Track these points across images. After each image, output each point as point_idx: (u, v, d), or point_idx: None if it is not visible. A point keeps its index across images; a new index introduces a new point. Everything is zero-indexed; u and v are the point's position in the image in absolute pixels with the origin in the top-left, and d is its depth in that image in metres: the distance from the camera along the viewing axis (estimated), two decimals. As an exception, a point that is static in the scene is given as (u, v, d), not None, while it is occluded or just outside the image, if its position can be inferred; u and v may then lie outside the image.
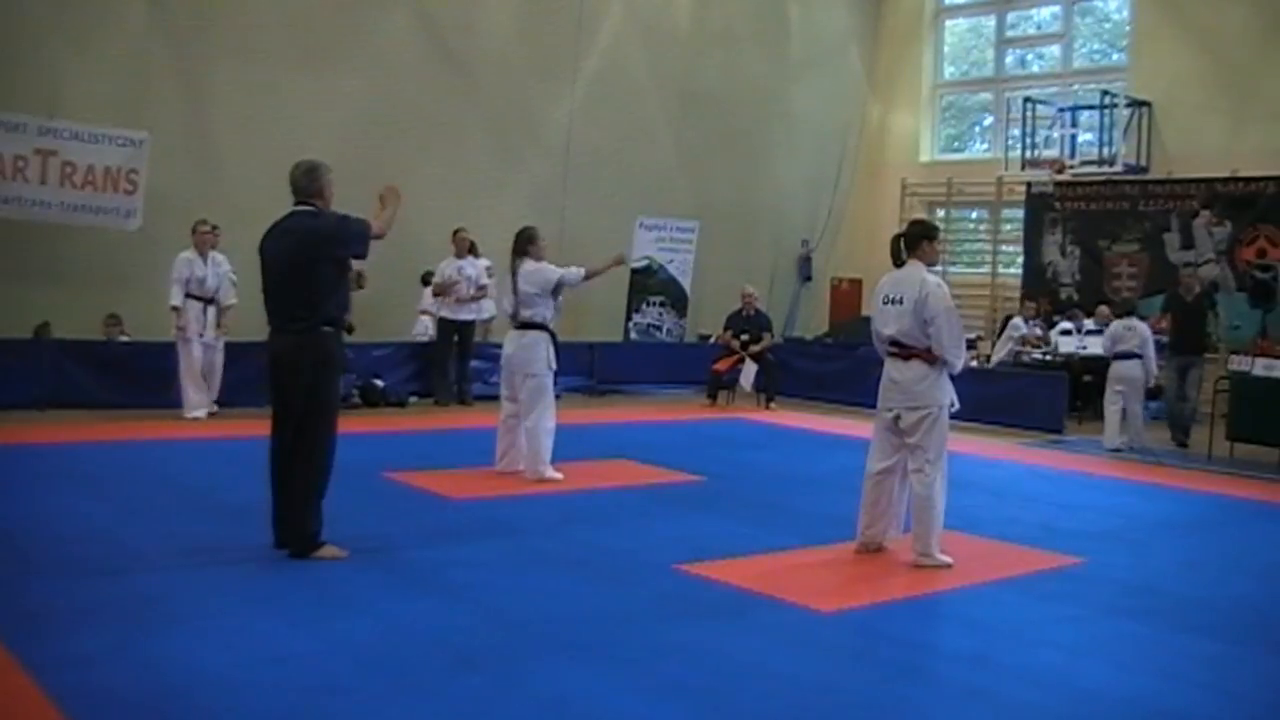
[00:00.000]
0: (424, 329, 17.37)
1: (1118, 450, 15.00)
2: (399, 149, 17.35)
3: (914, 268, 8.39)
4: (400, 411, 15.57)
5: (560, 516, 9.38)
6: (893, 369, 8.38)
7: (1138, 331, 15.40)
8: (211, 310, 14.17)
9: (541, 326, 10.96)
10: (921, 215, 22.71)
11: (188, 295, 13.96)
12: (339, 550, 7.65)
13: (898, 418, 8.30)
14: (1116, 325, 15.70)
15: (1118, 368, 15.46)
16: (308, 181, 7.74)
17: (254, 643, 5.96)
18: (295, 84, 16.97)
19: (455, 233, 16.65)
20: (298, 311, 7.58)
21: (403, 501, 9.63)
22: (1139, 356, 15.34)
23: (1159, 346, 15.89)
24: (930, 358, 8.24)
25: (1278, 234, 18.81)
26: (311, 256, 7.56)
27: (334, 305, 7.68)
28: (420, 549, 8.06)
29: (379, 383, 15.97)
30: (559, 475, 10.82)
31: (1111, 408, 15.39)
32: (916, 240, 8.49)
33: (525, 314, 10.93)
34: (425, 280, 16.92)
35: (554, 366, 11.01)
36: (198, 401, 14.05)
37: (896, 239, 8.59)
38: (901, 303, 8.28)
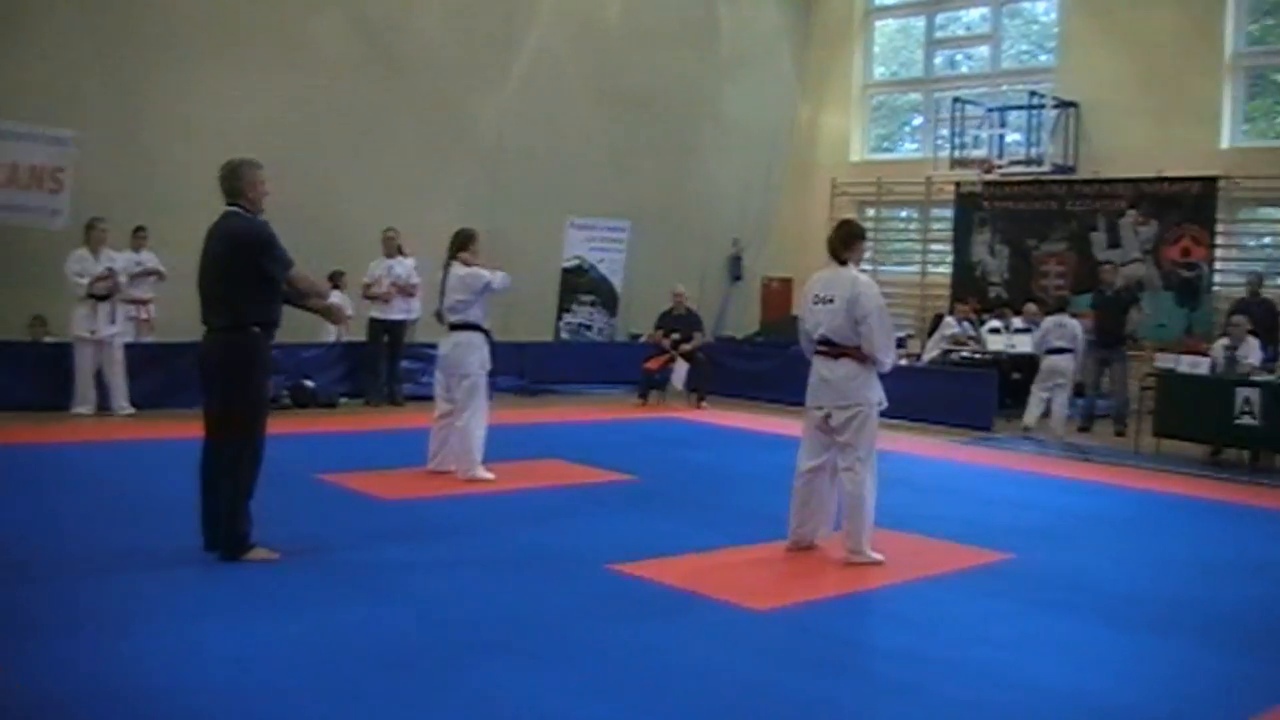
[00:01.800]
0: (333, 332, 17.02)
1: (1028, 429, 15.79)
2: (329, 148, 17.24)
3: (846, 267, 8.46)
4: (331, 412, 15.48)
5: (493, 516, 9.37)
6: (822, 368, 8.42)
7: (1069, 328, 16.00)
8: (104, 308, 14.18)
9: (476, 327, 10.95)
10: (851, 215, 22.84)
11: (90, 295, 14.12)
12: (270, 552, 7.62)
13: (828, 416, 8.35)
14: (1048, 322, 16.31)
15: (1049, 361, 16.04)
16: (231, 182, 7.75)
17: (184, 648, 5.92)
18: (224, 82, 16.80)
19: (384, 232, 16.58)
20: (223, 312, 7.59)
21: (335, 503, 9.59)
22: (1070, 351, 15.91)
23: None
24: (861, 357, 8.30)
25: (1202, 234, 19.06)
26: (233, 259, 7.56)
27: (259, 308, 7.64)
28: (353, 550, 8.03)
29: (309, 383, 15.86)
30: (490, 475, 10.81)
31: (1039, 395, 16.04)
32: (854, 240, 8.57)
33: (456, 316, 10.91)
34: (334, 281, 16.56)
35: (489, 367, 11.01)
36: (84, 398, 14.18)
37: (839, 238, 8.63)
38: (833, 302, 8.32)
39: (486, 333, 11.03)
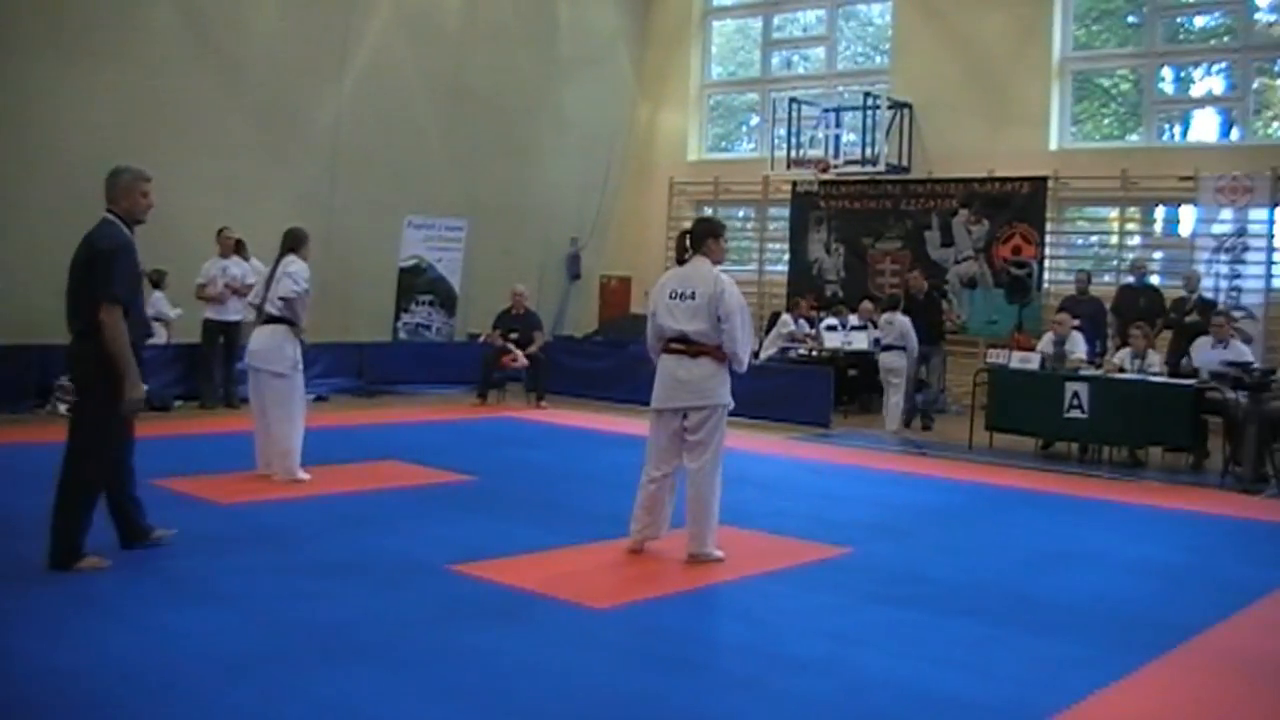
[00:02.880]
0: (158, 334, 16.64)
1: (896, 433, 16.24)
2: (162, 146, 16.79)
3: (701, 263, 8.40)
4: (165, 416, 15.15)
5: (331, 520, 9.27)
6: (678, 367, 8.31)
7: (897, 325, 16.32)
8: None
9: (288, 322, 10.78)
10: (689, 214, 23.00)
11: None
12: (100, 560, 7.45)
13: (684, 415, 8.35)
14: (881, 320, 16.55)
15: (882, 359, 16.65)
16: (108, 187, 7.73)
17: (12, 662, 5.77)
18: (52, 78, 16.36)
19: (219, 232, 16.31)
20: (74, 317, 7.55)
21: (169, 508, 9.36)
22: (901, 349, 16.20)
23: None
24: (720, 355, 8.28)
25: (1032, 232, 19.53)
26: (85, 266, 7.49)
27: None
28: (189, 557, 7.87)
29: (143, 386, 15.50)
30: (307, 476, 10.69)
31: (892, 398, 16.59)
32: (703, 237, 8.51)
33: (271, 309, 10.77)
34: (155, 280, 16.21)
35: (301, 365, 10.85)
36: None
37: (683, 235, 8.60)
38: (693, 298, 8.26)
39: (297, 328, 10.85)
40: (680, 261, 8.50)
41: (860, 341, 18.46)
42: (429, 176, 20.66)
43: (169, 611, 6.63)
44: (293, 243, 10.90)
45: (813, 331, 19.34)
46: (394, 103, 20.34)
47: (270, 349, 10.73)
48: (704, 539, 8.33)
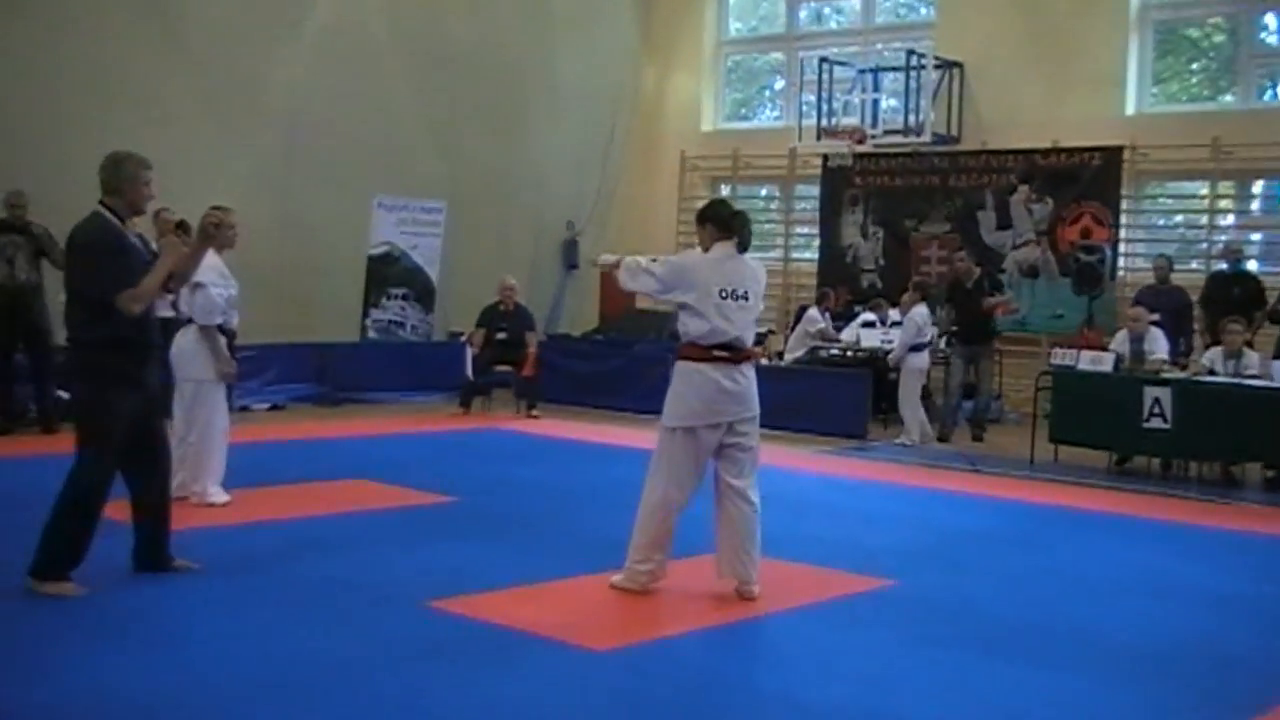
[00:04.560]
0: None
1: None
2: (89, 114, 16.77)
3: (730, 250, 8.36)
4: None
5: (288, 547, 9.22)
6: (722, 376, 8.20)
7: (913, 320, 16.45)
8: None
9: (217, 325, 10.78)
10: (704, 193, 22.97)
11: None
12: (77, 587, 7.68)
13: (728, 430, 8.28)
14: (909, 314, 16.82)
15: (911, 361, 16.74)
16: (107, 176, 7.96)
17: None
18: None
19: (157, 214, 16.23)
20: (68, 321, 7.93)
21: (98, 534, 9.34)
22: (923, 348, 16.66)
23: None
24: (755, 357, 8.53)
25: (1104, 212, 19.43)
26: (68, 265, 7.97)
27: (87, 325, 7.79)
28: (115, 590, 7.81)
29: (63, 395, 15.49)
30: (226, 498, 10.69)
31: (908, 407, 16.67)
32: (702, 220, 8.55)
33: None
34: None
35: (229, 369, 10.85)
36: None
37: (735, 213, 8.53)
38: (746, 299, 8.27)
39: (227, 331, 10.82)
40: (742, 248, 8.40)
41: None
42: (402, 151, 20.62)
43: (93, 655, 6.57)
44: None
45: (825, 326, 19.15)
46: (360, 67, 20.28)
47: (186, 353, 10.83)
48: (757, 567, 8.31)
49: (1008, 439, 16.81)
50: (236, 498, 10.70)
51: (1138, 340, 15.06)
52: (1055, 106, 19.98)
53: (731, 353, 8.22)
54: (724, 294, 8.18)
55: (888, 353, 17.45)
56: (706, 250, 8.39)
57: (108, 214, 7.84)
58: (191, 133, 18.17)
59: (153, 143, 17.26)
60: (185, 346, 10.79)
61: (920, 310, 16.58)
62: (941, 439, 16.77)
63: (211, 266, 10.46)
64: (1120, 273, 19.41)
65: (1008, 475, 14.25)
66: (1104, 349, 15.40)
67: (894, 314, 18.98)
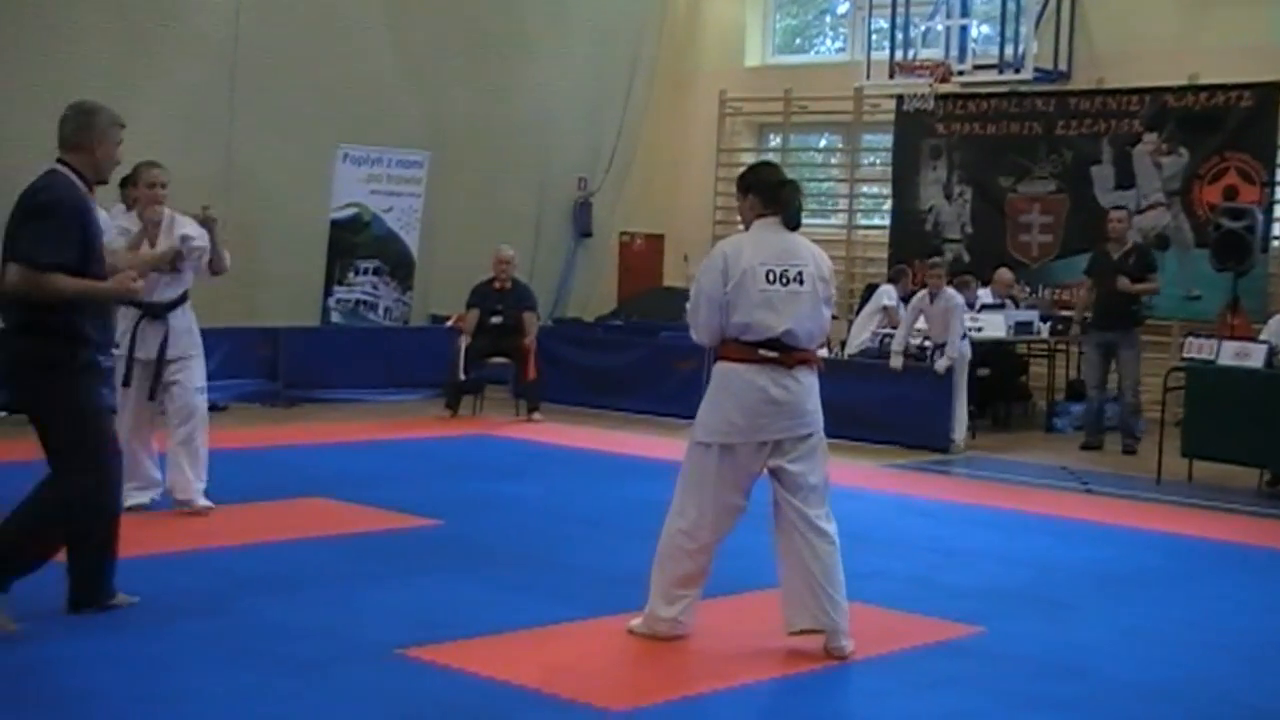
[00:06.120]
0: None
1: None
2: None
3: (777, 227, 8.30)
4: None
5: (231, 583, 9.26)
6: (768, 381, 8.12)
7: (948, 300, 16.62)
8: None
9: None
10: (749, 143, 22.98)
11: None
12: (8, 622, 7.77)
13: (773, 448, 8.26)
14: (938, 300, 16.88)
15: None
16: (71, 128, 8.17)
17: None
18: None
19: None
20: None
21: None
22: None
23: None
24: (815, 361, 8.32)
25: (1255, 166, 19.29)
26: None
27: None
28: (26, 642, 7.81)
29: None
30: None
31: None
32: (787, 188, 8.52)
33: None
34: None
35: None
36: None
37: (785, 182, 8.52)
38: (800, 281, 8.16)
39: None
40: (792, 225, 8.38)
41: (995, 328, 18.27)
42: (371, 89, 20.64)
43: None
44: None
45: (895, 308, 18.97)
46: (319, -15, 20.36)
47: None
48: (845, 617, 8.25)
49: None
50: (168, 521, 10.76)
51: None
52: (1193, 32, 19.86)
53: (781, 352, 8.13)
54: (771, 276, 8.09)
55: (978, 343, 17.43)
56: (747, 228, 8.39)
57: (71, 175, 7.93)
58: (102, 65, 18.05)
59: (52, 78, 17.46)
60: (185, 326, 11.13)
61: (955, 294, 16.75)
62: (1088, 447, 16.84)
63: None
64: (1275, 243, 19.30)
65: (1127, 497, 14.24)
66: (1252, 339, 15.28)
67: (984, 294, 18.96)
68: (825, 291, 8.25)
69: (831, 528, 8.24)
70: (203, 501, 11.20)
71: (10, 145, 16.14)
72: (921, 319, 16.90)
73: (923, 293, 16.84)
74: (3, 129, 16.26)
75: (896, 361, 16.68)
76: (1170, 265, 19.57)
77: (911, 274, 20.07)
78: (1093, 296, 17.32)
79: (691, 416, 8.41)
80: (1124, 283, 16.81)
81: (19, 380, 8.07)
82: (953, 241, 21.67)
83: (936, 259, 17.89)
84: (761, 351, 8.11)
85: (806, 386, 8.18)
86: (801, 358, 8.18)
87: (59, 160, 8.02)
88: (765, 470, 8.19)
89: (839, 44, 24.36)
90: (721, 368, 8.24)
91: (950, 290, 16.73)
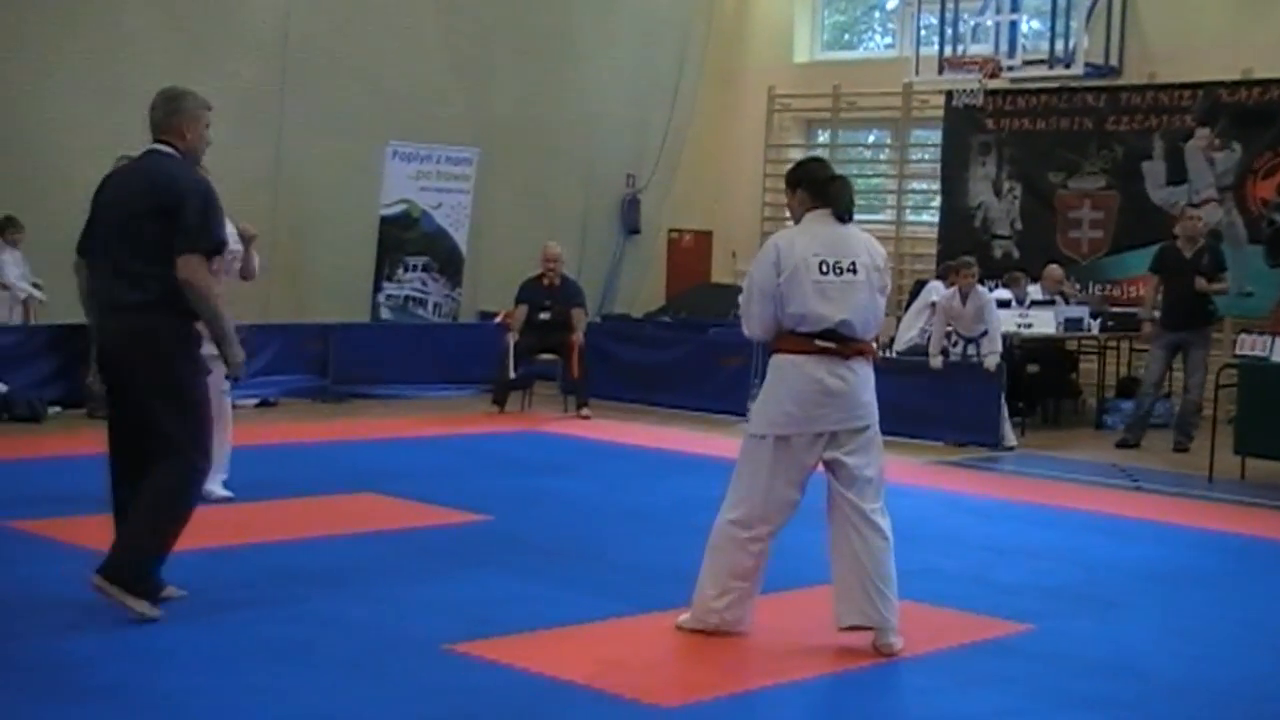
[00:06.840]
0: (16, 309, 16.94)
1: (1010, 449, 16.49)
2: (26, 40, 16.85)
3: (829, 219, 8.31)
4: (36, 428, 15.25)
5: (278, 577, 9.28)
6: (824, 372, 8.12)
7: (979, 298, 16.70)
8: None
9: None
10: (798, 139, 22.94)
11: None
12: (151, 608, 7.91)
13: (828, 442, 8.22)
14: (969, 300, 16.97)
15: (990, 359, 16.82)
16: (163, 113, 8.43)
17: None
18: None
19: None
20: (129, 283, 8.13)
21: (34, 563, 9.38)
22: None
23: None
24: (871, 352, 8.31)
25: (1310, 162, 19.24)
26: (151, 215, 8.06)
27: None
28: (61, 635, 7.85)
29: (1, 387, 15.63)
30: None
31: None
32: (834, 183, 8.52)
33: None
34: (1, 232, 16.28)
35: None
36: None
37: (834, 177, 8.53)
38: (854, 271, 8.17)
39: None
40: (844, 218, 8.38)
41: (1045, 324, 18.19)
42: (421, 87, 20.68)
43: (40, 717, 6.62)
44: None
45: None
46: (370, -18, 20.40)
47: None
48: (894, 612, 8.23)
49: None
50: (216, 515, 10.76)
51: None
52: (1246, 27, 19.78)
53: (839, 343, 8.13)
54: (824, 267, 8.09)
55: (1026, 339, 17.39)
56: (798, 223, 8.39)
57: (177, 155, 8.18)
58: (153, 63, 18.05)
59: (101, 76, 17.56)
60: None
61: (986, 291, 16.69)
62: (1125, 444, 16.80)
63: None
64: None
65: (1179, 495, 14.16)
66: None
67: (1034, 291, 18.91)
68: (880, 281, 8.24)
69: (886, 523, 8.22)
70: (222, 491, 11.28)
71: (67, 144, 16.21)
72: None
73: (951, 292, 16.82)
74: (60, 129, 16.31)
75: (936, 362, 16.68)
76: (1226, 260, 19.48)
77: (965, 270, 20.01)
78: (1159, 294, 17.17)
79: (739, 413, 8.47)
80: (1202, 283, 16.62)
81: (146, 354, 8.02)
82: (1002, 238, 21.60)
83: (967, 258, 17.77)
84: (818, 342, 8.10)
85: (862, 377, 8.17)
86: (858, 348, 8.16)
87: (161, 141, 8.21)
88: (820, 464, 8.19)
89: (888, 40, 24.32)
90: (777, 360, 8.22)
91: (980, 288, 16.77)
